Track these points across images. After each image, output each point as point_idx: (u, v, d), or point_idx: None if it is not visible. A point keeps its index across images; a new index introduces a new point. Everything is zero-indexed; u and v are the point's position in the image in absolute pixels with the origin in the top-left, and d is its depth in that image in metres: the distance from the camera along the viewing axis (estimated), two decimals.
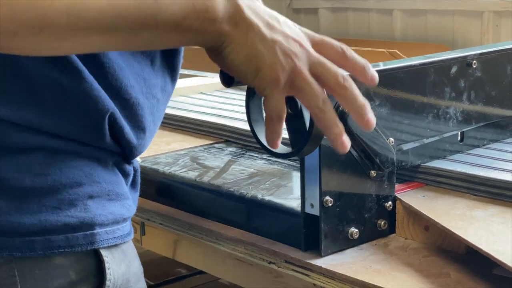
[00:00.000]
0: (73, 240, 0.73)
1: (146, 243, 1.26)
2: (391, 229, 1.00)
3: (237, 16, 0.70)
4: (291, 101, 0.87)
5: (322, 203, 0.92)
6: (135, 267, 0.82)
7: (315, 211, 0.93)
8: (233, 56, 0.71)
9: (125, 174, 0.82)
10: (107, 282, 0.75)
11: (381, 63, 1.00)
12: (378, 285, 0.85)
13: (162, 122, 1.50)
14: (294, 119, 0.87)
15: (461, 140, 1.11)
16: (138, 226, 1.23)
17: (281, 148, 0.90)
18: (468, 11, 2.06)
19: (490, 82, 1.11)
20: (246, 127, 0.96)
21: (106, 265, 0.75)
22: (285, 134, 0.79)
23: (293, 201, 0.99)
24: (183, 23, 0.67)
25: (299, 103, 0.86)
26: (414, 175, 1.07)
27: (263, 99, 0.75)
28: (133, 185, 0.87)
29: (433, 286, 0.84)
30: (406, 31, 2.24)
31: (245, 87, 0.85)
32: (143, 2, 0.65)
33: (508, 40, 1.22)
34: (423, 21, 2.18)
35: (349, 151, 0.93)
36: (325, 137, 0.90)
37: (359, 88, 0.77)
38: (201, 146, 1.33)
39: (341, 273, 0.89)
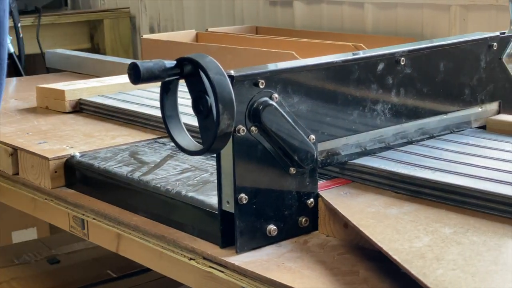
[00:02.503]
0: None
1: (93, 237, 1.27)
2: (314, 226, 1.00)
3: None
4: (201, 100, 0.87)
5: (236, 200, 0.92)
6: None
7: (231, 208, 0.93)
8: None
9: None
10: None
11: (301, 60, 1.00)
12: (284, 283, 0.85)
13: (111, 116, 1.51)
14: (205, 117, 0.88)
15: (392, 136, 1.11)
16: (79, 221, 1.24)
17: (194, 146, 0.91)
18: (436, 4, 2.05)
19: (421, 78, 1.10)
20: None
21: None
22: None
23: (214, 198, 0.99)
24: None
25: (209, 101, 0.86)
26: (342, 172, 1.07)
27: None
28: None
29: (338, 284, 0.84)
30: (377, 24, 2.24)
31: None
32: None
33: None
34: (393, 15, 2.18)
35: (266, 148, 0.94)
36: (239, 135, 0.90)
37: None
38: (145, 140, 1.33)
39: (252, 271, 0.89)
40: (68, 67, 2.24)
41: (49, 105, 1.63)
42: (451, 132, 1.18)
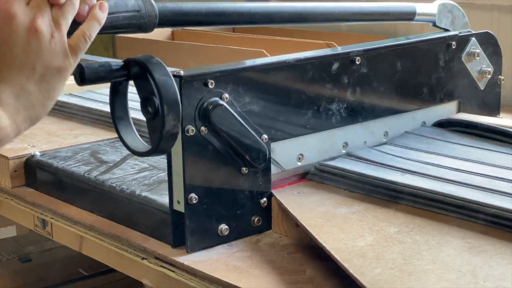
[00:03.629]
0: None
1: (56, 236, 1.26)
2: (268, 225, 1.00)
3: None
4: (149, 101, 0.87)
5: (186, 200, 0.92)
6: None
7: (181, 208, 0.93)
8: None
9: None
10: None
11: (252, 60, 1.00)
12: (231, 282, 0.85)
13: (76, 115, 1.51)
14: (152, 118, 0.88)
15: (348, 135, 1.11)
16: (40, 220, 1.24)
17: (143, 147, 0.91)
18: None
19: (377, 78, 1.11)
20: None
21: None
22: None
23: (167, 198, 0.99)
24: None
25: (156, 102, 0.86)
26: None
27: None
28: None
29: (284, 283, 0.85)
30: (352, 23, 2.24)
31: None
32: None
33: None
34: None
35: (217, 148, 0.94)
36: (188, 135, 0.91)
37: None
38: (107, 139, 1.33)
39: (200, 270, 0.89)
40: None
41: None
42: (408, 131, 1.18)
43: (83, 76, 0.84)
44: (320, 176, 1.04)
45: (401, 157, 1.05)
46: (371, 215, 0.91)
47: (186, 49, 2.11)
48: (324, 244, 0.81)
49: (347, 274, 0.82)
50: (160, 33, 2.43)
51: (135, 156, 1.21)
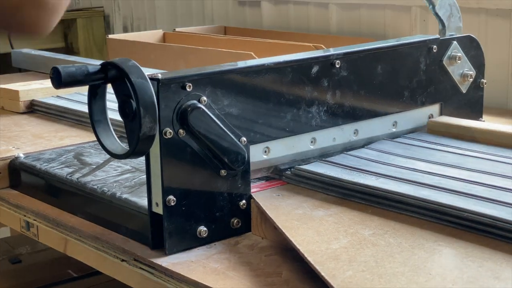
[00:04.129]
0: None
1: (42, 238, 1.27)
2: (247, 227, 1.01)
3: None
4: (127, 104, 0.88)
5: (165, 202, 0.93)
6: None
7: (160, 210, 0.94)
8: None
9: None
10: None
11: (231, 63, 1.01)
12: (207, 284, 0.86)
13: (62, 117, 1.51)
14: (130, 121, 0.88)
15: (328, 138, 1.11)
16: (24, 222, 1.24)
17: (121, 149, 0.91)
18: (397, 5, 2.06)
19: (358, 81, 1.12)
20: None
21: None
22: None
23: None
24: None
25: (133, 105, 0.87)
26: (280, 173, 1.08)
27: None
28: None
29: (259, 285, 0.85)
30: (341, 25, 2.25)
31: None
32: None
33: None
34: (357, 15, 2.19)
35: (196, 150, 0.95)
36: (166, 137, 0.91)
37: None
38: (92, 141, 1.33)
39: (177, 272, 0.90)
40: (34, 67, 2.24)
41: (4, 106, 1.63)
42: (389, 134, 1.19)
43: (60, 79, 0.85)
44: (295, 180, 1.04)
45: (376, 162, 1.06)
46: (347, 217, 0.92)
47: (177, 51, 2.12)
48: (299, 247, 0.82)
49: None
50: (152, 35, 2.44)
51: None
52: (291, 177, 1.05)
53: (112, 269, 1.06)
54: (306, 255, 0.80)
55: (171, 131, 0.92)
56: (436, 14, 1.27)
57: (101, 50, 3.28)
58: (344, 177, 0.98)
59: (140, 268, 0.96)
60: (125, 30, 3.10)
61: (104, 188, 1.06)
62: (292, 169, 1.06)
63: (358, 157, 1.08)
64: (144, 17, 3.02)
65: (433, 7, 1.27)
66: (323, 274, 0.74)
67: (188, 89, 0.93)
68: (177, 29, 2.49)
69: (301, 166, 1.05)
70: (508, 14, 1.71)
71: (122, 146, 0.91)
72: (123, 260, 0.99)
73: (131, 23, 3.09)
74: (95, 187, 1.07)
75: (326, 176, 1.00)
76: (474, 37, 1.31)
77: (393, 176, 0.99)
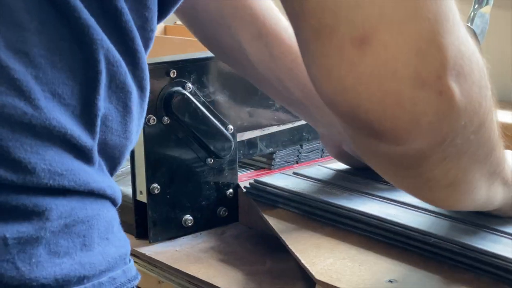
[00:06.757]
0: None
1: None
2: (235, 216, 0.99)
3: None
4: None
5: (149, 191, 0.92)
6: None
7: (144, 199, 0.93)
8: None
9: None
10: None
11: None
12: (189, 273, 0.85)
13: None
14: None
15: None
16: None
17: None
18: None
19: None
20: None
21: None
22: None
23: None
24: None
25: None
26: (270, 163, 1.06)
27: None
28: None
29: (242, 274, 0.84)
30: None
31: None
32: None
33: None
34: None
35: (180, 138, 0.94)
36: (150, 124, 0.90)
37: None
38: None
39: (160, 261, 0.89)
40: None
41: None
42: None
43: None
44: (254, 194, 0.96)
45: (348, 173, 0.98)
46: None
47: (177, 43, 2.11)
48: (281, 235, 0.81)
49: None
50: None
51: None
52: (249, 191, 0.96)
53: None
54: (288, 243, 0.78)
55: (154, 118, 0.90)
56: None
57: None
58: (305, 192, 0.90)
59: None
60: None
61: None
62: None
63: (327, 168, 1.00)
64: None
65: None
66: (303, 261, 0.73)
67: (172, 76, 0.91)
68: (178, 22, 2.48)
69: (258, 179, 0.96)
70: (510, 5, 1.69)
71: None
72: None
73: None
74: None
75: (285, 190, 0.92)
76: (472, 27, 1.29)
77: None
